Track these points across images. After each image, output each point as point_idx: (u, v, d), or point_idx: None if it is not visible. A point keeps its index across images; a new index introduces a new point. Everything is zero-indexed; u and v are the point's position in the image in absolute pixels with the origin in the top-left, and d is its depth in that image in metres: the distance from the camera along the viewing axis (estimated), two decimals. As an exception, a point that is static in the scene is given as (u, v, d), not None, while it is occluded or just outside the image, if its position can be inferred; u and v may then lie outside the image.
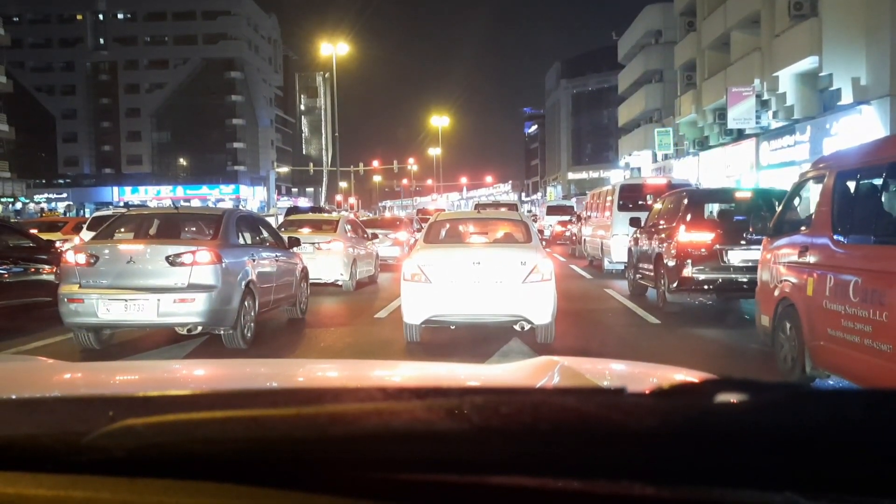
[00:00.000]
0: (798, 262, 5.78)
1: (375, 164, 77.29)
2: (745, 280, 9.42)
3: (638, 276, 12.29)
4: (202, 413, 0.90)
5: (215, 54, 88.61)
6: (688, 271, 9.84)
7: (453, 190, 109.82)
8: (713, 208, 12.38)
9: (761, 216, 8.71)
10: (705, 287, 9.88)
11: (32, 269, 9.82)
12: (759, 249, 9.04)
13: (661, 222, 11.32)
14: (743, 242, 9.66)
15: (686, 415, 0.77)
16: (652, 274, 11.22)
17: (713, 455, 0.74)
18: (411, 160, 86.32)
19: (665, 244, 10.54)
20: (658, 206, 12.28)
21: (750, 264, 9.21)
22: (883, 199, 4.99)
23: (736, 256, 9.73)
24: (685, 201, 10.67)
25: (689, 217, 10.31)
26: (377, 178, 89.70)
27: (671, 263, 10.16)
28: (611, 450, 0.76)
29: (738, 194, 11.93)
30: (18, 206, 58.71)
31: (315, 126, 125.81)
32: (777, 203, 9.44)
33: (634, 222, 12.98)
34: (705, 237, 9.97)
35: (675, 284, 10.06)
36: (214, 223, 8.26)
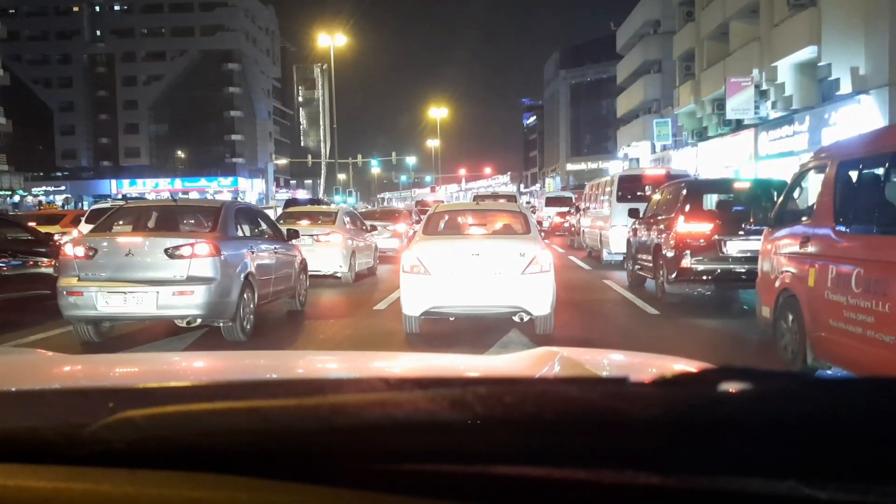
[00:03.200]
0: (799, 253, 5.77)
1: (374, 155, 77.23)
2: (743, 270, 9.45)
3: (637, 266, 12.31)
4: (203, 404, 0.89)
5: (213, 46, 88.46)
6: (686, 262, 9.85)
7: (452, 182, 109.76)
8: (712, 199, 12.37)
9: (762, 206, 8.71)
10: (704, 277, 9.90)
11: (31, 263, 9.82)
12: (757, 240, 9.10)
13: (660, 213, 11.32)
14: (741, 233, 9.67)
15: (690, 404, 0.77)
16: (651, 265, 11.23)
17: (717, 444, 0.74)
18: (412, 162, 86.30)
19: (664, 235, 10.54)
20: (657, 196, 12.28)
21: (749, 255, 9.24)
22: (885, 188, 4.98)
23: (734, 247, 9.74)
24: (684, 192, 10.66)
25: (687, 208, 10.30)
26: (376, 170, 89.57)
27: (670, 254, 10.17)
28: (615, 439, 0.75)
29: (737, 185, 11.93)
30: (16, 199, 58.70)
31: (313, 118, 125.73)
32: (775, 193, 9.47)
33: (633, 213, 12.98)
34: (704, 228, 9.98)
35: (673, 275, 10.06)
36: (213, 215, 8.25)
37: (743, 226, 9.62)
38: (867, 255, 4.83)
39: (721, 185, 13.08)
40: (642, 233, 12.03)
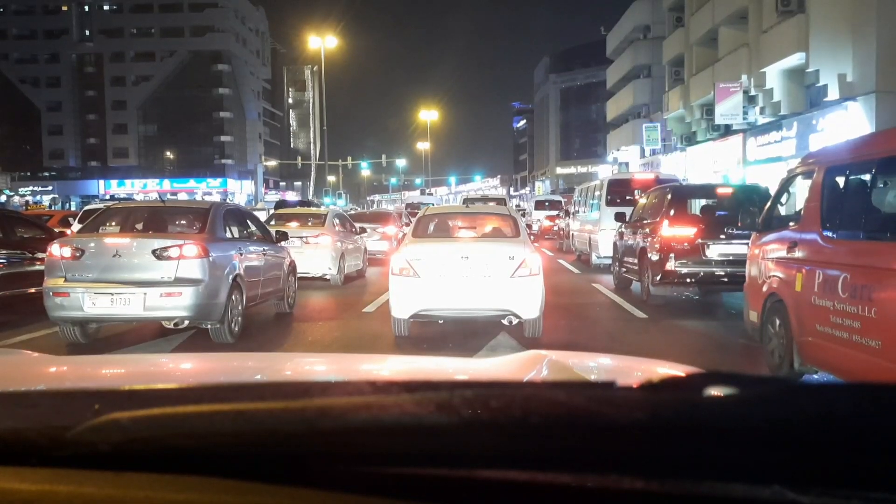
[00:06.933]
0: (787, 258, 5.80)
1: (364, 158, 77.18)
2: (724, 273, 9.81)
3: (623, 269, 12.56)
4: (189, 407, 0.89)
5: (202, 47, 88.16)
6: (671, 265, 10.11)
7: (443, 185, 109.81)
8: (696, 204, 12.56)
9: (746, 211, 8.84)
10: (688, 280, 10.16)
11: (40, 261, 9.82)
12: (739, 244, 9.45)
13: (646, 217, 11.54)
14: (723, 237, 9.96)
15: (675, 408, 0.77)
16: (636, 267, 11.47)
17: (702, 449, 0.74)
18: (402, 164, 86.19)
19: (649, 239, 10.80)
20: (643, 201, 12.49)
21: (730, 258, 9.68)
22: (872, 194, 5.02)
23: (716, 250, 10.02)
24: (669, 197, 10.88)
25: (672, 212, 10.54)
26: (366, 172, 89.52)
27: (655, 257, 10.42)
28: (600, 443, 0.75)
29: (720, 190, 12.12)
30: (2, 198, 58.30)
31: (303, 119, 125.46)
32: (757, 198, 9.84)
33: (619, 217, 13.17)
34: (688, 232, 10.24)
35: (658, 277, 10.31)
36: (201, 217, 8.21)
37: (725, 230, 9.91)
38: (854, 261, 4.86)
39: (705, 191, 13.31)
40: (628, 236, 12.27)
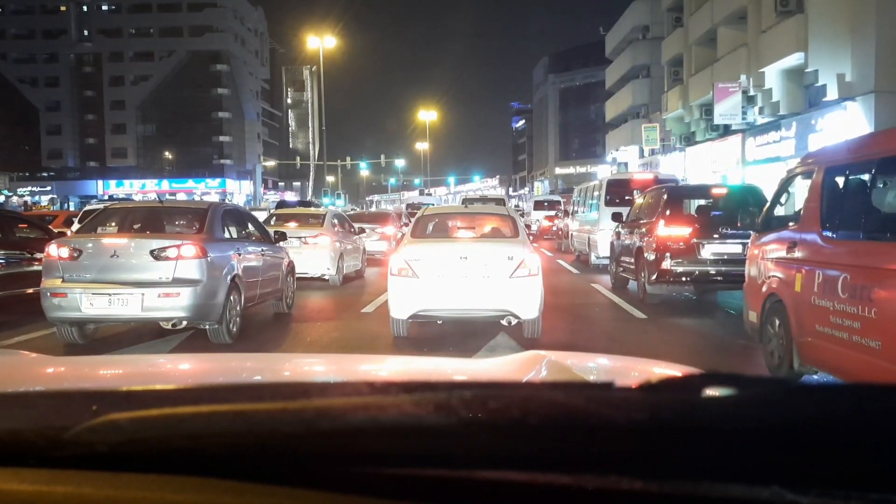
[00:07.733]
0: (786, 258, 5.81)
1: (362, 158, 77.20)
2: (717, 272, 10.06)
3: (620, 268, 12.78)
4: (187, 407, 0.89)
5: (201, 46, 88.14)
6: (666, 264, 10.31)
7: (441, 185, 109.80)
8: (692, 203, 12.73)
9: (749, 211, 8.91)
10: (683, 279, 10.34)
11: (38, 261, 9.82)
12: (733, 243, 9.65)
13: (642, 217, 11.72)
14: (717, 237, 10.18)
15: (674, 409, 0.77)
16: (633, 267, 11.63)
17: (701, 449, 0.74)
18: (401, 164, 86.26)
19: (645, 238, 10.98)
20: (639, 201, 12.67)
21: (725, 257, 9.98)
22: (871, 194, 5.02)
23: (710, 250, 10.21)
24: (665, 197, 11.05)
25: (668, 212, 10.75)
26: (364, 172, 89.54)
27: (651, 256, 10.62)
28: (599, 444, 0.75)
29: (715, 190, 12.25)
30: (1, 199, 58.25)
31: (302, 119, 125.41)
32: (751, 199, 10.13)
33: (616, 217, 13.27)
34: (683, 231, 10.45)
35: (654, 276, 10.48)
36: (200, 217, 8.21)
37: (719, 230, 10.12)
38: (853, 261, 4.86)
39: (700, 191, 13.51)
40: (625, 236, 12.45)
